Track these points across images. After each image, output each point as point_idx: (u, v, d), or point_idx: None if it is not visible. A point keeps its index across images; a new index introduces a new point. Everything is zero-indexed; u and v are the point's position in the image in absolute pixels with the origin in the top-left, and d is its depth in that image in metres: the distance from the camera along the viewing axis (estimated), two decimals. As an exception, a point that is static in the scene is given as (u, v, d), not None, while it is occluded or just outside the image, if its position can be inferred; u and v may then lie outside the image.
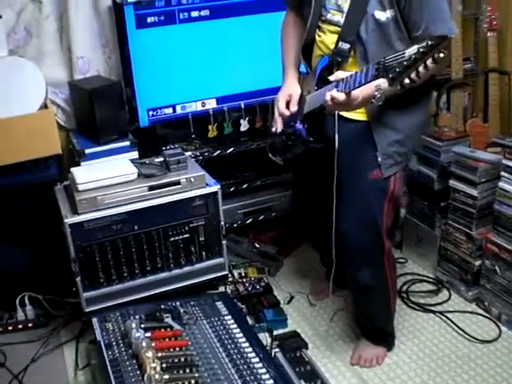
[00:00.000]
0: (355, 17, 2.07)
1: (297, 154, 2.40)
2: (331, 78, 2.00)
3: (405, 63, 1.67)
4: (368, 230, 2.31)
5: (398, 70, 1.69)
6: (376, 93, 1.80)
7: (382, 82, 1.79)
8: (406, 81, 1.71)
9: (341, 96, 1.91)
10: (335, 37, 2.15)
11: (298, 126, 2.33)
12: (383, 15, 2.03)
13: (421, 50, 1.64)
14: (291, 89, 2.36)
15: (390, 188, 2.26)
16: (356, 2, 2.06)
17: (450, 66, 3.37)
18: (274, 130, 2.40)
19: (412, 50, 1.66)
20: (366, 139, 2.21)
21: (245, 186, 3.24)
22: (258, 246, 3.32)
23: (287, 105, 2.35)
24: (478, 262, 2.81)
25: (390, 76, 1.72)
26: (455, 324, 2.73)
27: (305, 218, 2.81)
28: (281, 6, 2.54)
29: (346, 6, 2.09)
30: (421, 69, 1.67)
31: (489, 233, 2.76)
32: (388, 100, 1.88)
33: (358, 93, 1.92)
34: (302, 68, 2.43)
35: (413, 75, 1.69)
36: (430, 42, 1.63)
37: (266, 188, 3.30)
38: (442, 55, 1.64)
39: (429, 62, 1.67)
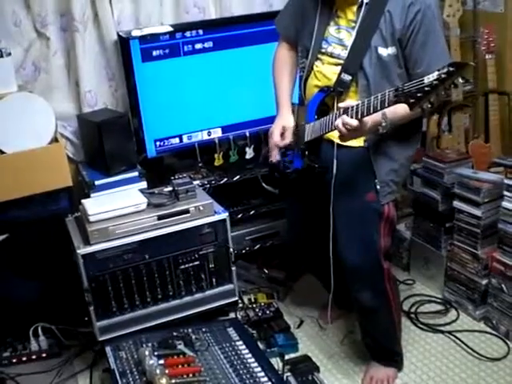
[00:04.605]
0: (359, 50, 2.12)
1: (290, 180, 2.41)
2: (341, 104, 2.03)
3: (426, 89, 1.71)
4: (366, 250, 2.34)
5: (419, 95, 1.74)
6: (382, 120, 1.86)
7: (390, 112, 1.87)
8: (426, 105, 1.76)
9: (354, 122, 1.95)
10: (334, 68, 2.21)
11: (293, 156, 2.35)
12: (385, 51, 2.09)
13: (442, 76, 1.68)
14: (285, 121, 2.38)
15: (385, 211, 2.30)
16: (360, 37, 2.11)
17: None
18: (270, 160, 2.42)
19: (432, 76, 1.70)
20: (363, 165, 2.25)
21: (252, 212, 3.27)
22: (266, 271, 3.35)
23: (281, 136, 2.37)
24: (484, 281, 2.84)
25: (411, 101, 1.76)
26: (464, 343, 2.75)
27: (301, 247, 2.81)
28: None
29: (349, 41, 2.15)
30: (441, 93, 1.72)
31: (494, 252, 2.79)
32: (389, 131, 1.94)
33: (368, 119, 1.97)
34: (295, 99, 2.46)
35: (432, 99, 1.74)
36: (450, 69, 1.67)
37: (273, 214, 3.32)
38: (461, 81, 1.68)
39: (450, 87, 1.71)
